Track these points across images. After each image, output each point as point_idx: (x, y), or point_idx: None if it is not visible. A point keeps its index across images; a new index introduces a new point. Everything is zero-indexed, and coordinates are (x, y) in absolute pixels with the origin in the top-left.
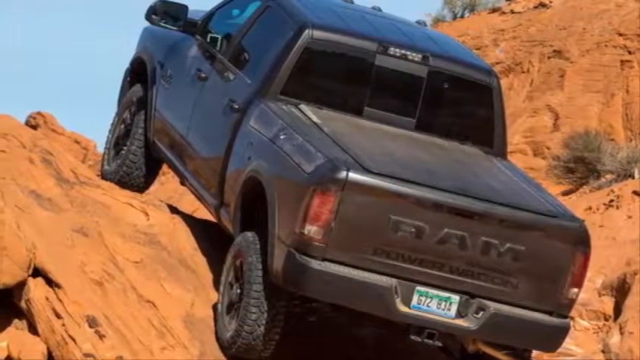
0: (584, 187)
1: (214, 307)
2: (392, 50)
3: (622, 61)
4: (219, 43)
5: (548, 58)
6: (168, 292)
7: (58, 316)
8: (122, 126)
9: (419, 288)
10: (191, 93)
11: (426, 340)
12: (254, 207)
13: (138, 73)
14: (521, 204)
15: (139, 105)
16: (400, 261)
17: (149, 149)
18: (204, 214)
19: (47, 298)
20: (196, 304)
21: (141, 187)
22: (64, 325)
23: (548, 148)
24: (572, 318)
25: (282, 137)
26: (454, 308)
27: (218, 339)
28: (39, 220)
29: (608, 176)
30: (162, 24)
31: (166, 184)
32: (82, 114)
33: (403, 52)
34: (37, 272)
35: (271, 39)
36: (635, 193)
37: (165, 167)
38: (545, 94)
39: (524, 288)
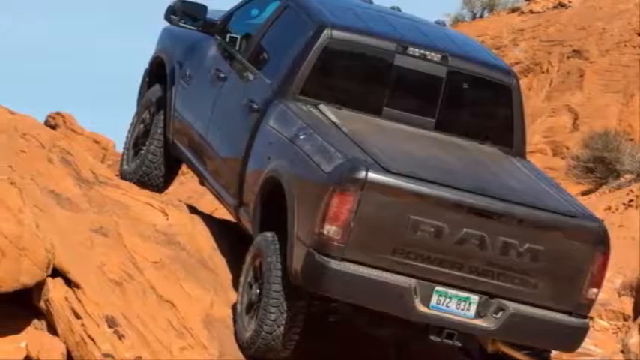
0: (604, 187)
1: (233, 307)
2: (411, 50)
3: None
4: (238, 43)
5: (568, 58)
6: (187, 292)
7: (78, 316)
8: (141, 126)
9: (438, 288)
10: (210, 93)
11: (445, 340)
12: (273, 207)
13: (157, 73)
14: (540, 204)
15: (158, 105)
16: (419, 261)
17: (168, 149)
18: (223, 214)
19: (66, 298)
20: (215, 304)
21: (160, 187)
22: (83, 325)
23: (567, 148)
24: (591, 318)
25: (301, 137)
26: (473, 308)
27: (237, 339)
28: (58, 220)
29: (627, 176)
30: (181, 24)
31: (186, 184)
32: (101, 114)
33: (422, 52)
34: (56, 272)
35: (290, 39)
36: None
37: (184, 167)
38: (564, 94)
39: (544, 288)
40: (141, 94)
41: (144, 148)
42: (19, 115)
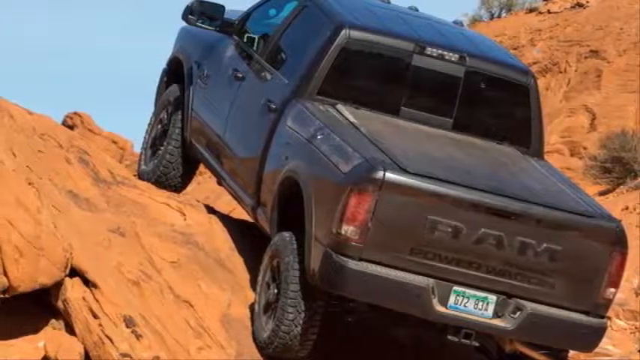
0: (621, 187)
1: (251, 307)
2: (429, 50)
3: None
4: (256, 43)
5: (585, 58)
6: (205, 292)
7: (95, 316)
8: (159, 126)
9: (456, 288)
10: (228, 93)
11: (463, 340)
12: (291, 207)
13: (175, 73)
14: (558, 204)
15: (175, 105)
16: (437, 261)
17: (186, 149)
18: (241, 214)
19: (84, 298)
20: (233, 304)
21: (178, 187)
22: (100, 325)
23: (585, 148)
24: (609, 318)
25: (319, 137)
26: (491, 308)
27: (255, 339)
28: (76, 220)
29: None
30: (199, 24)
31: (203, 184)
32: (119, 114)
33: (440, 52)
34: (73, 272)
35: (308, 39)
36: None
37: (202, 167)
38: (582, 94)
39: (561, 288)
40: (158, 95)
41: (161, 148)
42: (37, 115)
